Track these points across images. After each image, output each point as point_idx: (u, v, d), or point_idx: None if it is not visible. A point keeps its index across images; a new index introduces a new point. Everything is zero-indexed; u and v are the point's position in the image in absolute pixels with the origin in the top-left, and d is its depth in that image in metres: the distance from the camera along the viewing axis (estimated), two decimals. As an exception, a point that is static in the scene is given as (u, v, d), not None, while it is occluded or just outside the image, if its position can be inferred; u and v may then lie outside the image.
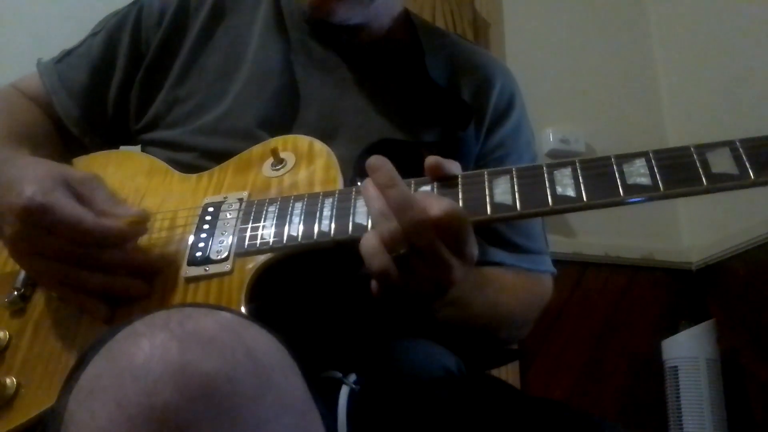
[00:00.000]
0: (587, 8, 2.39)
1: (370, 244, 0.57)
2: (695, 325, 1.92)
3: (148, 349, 0.38)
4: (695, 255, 2.14)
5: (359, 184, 0.67)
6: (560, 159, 0.62)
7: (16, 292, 0.68)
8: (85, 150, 0.89)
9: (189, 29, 0.90)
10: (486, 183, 0.62)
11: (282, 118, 0.82)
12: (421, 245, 0.56)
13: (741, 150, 0.56)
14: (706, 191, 0.56)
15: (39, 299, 0.69)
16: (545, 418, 0.59)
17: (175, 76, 0.88)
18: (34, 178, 0.64)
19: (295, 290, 0.69)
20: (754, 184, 0.55)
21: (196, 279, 0.65)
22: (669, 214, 2.24)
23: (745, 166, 0.55)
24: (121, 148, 0.93)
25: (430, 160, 0.63)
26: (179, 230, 0.70)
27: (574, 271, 2.06)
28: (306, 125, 0.81)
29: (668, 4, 2.42)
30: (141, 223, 0.67)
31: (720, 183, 0.56)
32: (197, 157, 0.80)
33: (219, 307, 0.45)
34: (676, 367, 1.89)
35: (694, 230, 2.20)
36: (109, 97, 0.90)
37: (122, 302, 0.65)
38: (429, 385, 0.67)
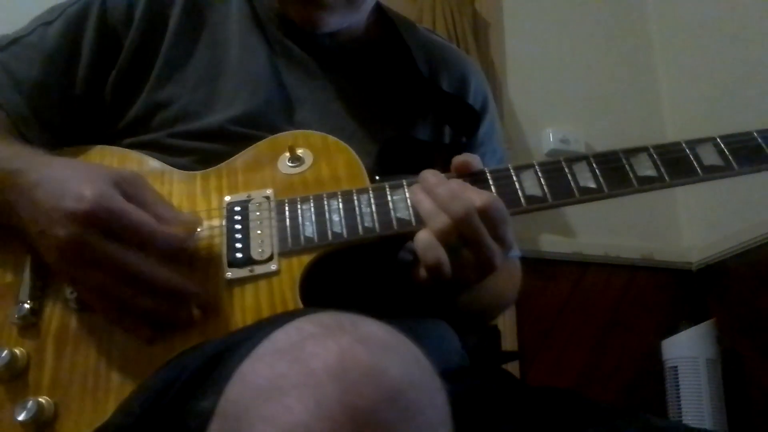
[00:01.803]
0: (587, 8, 2.39)
1: (424, 239, 0.62)
2: (695, 325, 1.92)
3: (337, 350, 0.38)
4: (695, 255, 2.14)
5: (377, 178, 0.71)
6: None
7: (26, 305, 0.63)
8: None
9: (164, 27, 0.83)
10: (514, 177, 0.67)
11: (281, 121, 0.80)
12: (470, 234, 0.61)
13: (722, 145, 0.67)
14: (702, 180, 0.66)
15: (51, 312, 0.64)
16: (562, 406, 0.59)
17: (155, 78, 0.81)
18: (87, 180, 0.59)
19: (334, 285, 0.68)
20: (739, 173, 0.66)
21: (240, 281, 0.63)
22: (669, 213, 2.24)
23: (729, 158, 0.67)
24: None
25: (458, 159, 0.68)
26: (205, 232, 0.67)
27: (574, 271, 2.04)
28: (306, 127, 0.79)
29: (668, 4, 2.42)
30: (194, 227, 0.65)
31: (712, 173, 0.66)
32: (194, 161, 0.76)
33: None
34: (676, 367, 1.89)
35: (694, 230, 2.20)
36: (71, 95, 0.80)
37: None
38: (450, 374, 0.67)
